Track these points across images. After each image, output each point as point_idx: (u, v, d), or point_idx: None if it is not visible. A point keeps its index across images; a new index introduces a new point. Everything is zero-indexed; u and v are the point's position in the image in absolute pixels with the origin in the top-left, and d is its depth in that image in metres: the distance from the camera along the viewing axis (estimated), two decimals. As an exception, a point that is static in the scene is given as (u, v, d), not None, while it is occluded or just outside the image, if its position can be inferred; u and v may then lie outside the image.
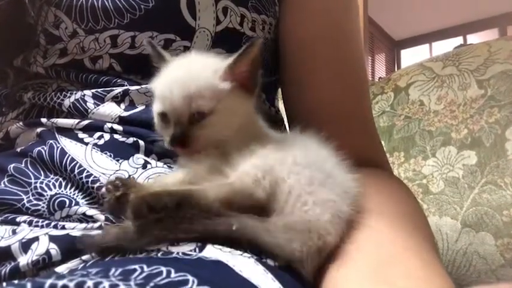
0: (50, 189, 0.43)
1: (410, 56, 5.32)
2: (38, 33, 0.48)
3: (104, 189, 0.38)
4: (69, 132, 0.46)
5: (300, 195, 0.37)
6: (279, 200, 0.38)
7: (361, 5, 3.34)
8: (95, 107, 0.47)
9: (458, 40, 4.77)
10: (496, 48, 0.84)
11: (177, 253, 0.33)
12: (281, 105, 0.65)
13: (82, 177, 0.42)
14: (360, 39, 0.61)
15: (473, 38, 4.69)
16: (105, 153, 0.44)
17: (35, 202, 0.42)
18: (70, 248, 0.38)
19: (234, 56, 0.41)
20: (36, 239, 0.39)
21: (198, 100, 0.40)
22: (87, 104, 0.47)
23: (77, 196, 0.42)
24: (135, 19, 0.47)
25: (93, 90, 0.48)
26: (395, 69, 5.27)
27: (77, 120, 0.47)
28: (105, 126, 0.46)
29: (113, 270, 0.27)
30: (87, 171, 0.43)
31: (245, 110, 0.44)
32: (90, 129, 0.46)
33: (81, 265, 0.37)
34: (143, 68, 0.49)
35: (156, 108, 0.43)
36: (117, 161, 0.44)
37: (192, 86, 0.40)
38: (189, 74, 0.41)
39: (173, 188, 0.37)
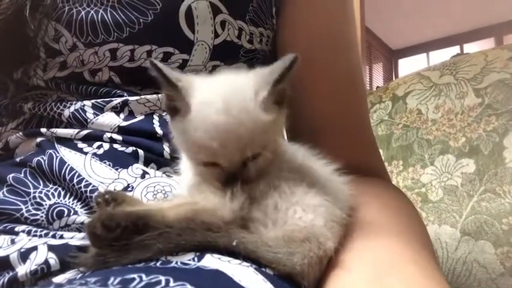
0: (49, 198, 0.43)
1: (407, 65, 5.36)
2: (38, 46, 0.48)
3: (94, 204, 0.38)
4: (68, 142, 0.46)
5: (287, 207, 0.37)
6: (267, 215, 0.37)
7: (358, 15, 3.37)
8: (94, 117, 0.47)
9: (455, 49, 4.81)
10: (492, 57, 0.85)
11: (176, 262, 0.33)
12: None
13: (81, 187, 0.43)
14: (357, 49, 0.61)
15: (470, 47, 4.73)
16: (104, 163, 0.45)
17: (33, 212, 0.42)
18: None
19: (272, 79, 0.37)
20: (34, 248, 0.39)
21: (252, 146, 0.37)
22: (87, 114, 0.48)
23: (75, 205, 0.42)
24: (134, 33, 0.47)
25: (93, 101, 0.48)
26: (393, 79, 5.30)
27: (76, 130, 0.47)
28: (105, 135, 0.46)
29: (112, 279, 0.27)
30: (86, 181, 0.43)
31: (282, 123, 0.41)
32: (89, 139, 0.47)
33: (79, 275, 0.37)
34: (142, 80, 0.50)
35: (198, 157, 0.38)
36: (116, 170, 0.44)
37: (244, 135, 0.36)
38: (234, 119, 0.35)
39: (132, 209, 0.36)
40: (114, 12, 0.46)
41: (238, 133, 0.36)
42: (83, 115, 0.48)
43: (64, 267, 0.38)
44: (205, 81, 0.39)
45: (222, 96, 0.36)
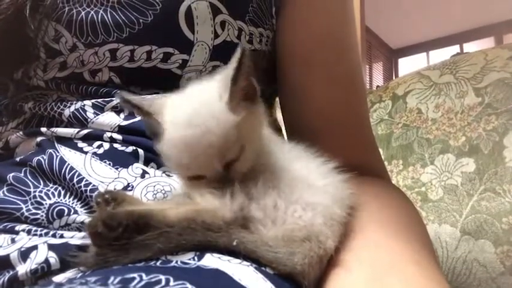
0: (49, 198, 0.43)
1: (407, 65, 5.36)
2: (38, 46, 0.48)
3: (94, 203, 0.38)
4: (68, 142, 0.47)
5: (287, 206, 0.37)
6: (267, 215, 0.37)
7: (358, 15, 3.37)
8: (94, 117, 0.48)
9: (455, 49, 4.81)
10: (492, 56, 0.85)
11: (176, 262, 0.33)
12: (279, 115, 0.65)
13: (81, 186, 0.43)
14: (357, 49, 0.61)
15: (469, 47, 4.73)
16: (104, 162, 0.45)
17: (34, 211, 0.42)
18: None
19: (229, 79, 0.37)
20: (35, 247, 0.39)
21: (226, 153, 0.37)
22: (87, 113, 0.48)
23: (75, 205, 0.43)
24: (134, 33, 0.47)
25: (93, 100, 0.48)
26: (393, 78, 5.30)
27: (76, 130, 0.47)
28: (105, 135, 0.46)
29: (112, 278, 0.27)
30: (86, 180, 0.43)
31: (258, 118, 0.41)
32: (89, 138, 0.47)
33: (80, 274, 0.37)
34: (142, 80, 0.49)
35: (182, 173, 0.40)
36: (116, 169, 0.44)
37: (215, 141, 0.36)
38: (200, 129, 0.36)
39: (134, 208, 0.36)
40: (114, 13, 0.46)
41: (207, 142, 0.36)
42: (83, 114, 0.48)
43: (64, 267, 0.38)
44: (176, 99, 0.40)
45: (186, 110, 0.37)
